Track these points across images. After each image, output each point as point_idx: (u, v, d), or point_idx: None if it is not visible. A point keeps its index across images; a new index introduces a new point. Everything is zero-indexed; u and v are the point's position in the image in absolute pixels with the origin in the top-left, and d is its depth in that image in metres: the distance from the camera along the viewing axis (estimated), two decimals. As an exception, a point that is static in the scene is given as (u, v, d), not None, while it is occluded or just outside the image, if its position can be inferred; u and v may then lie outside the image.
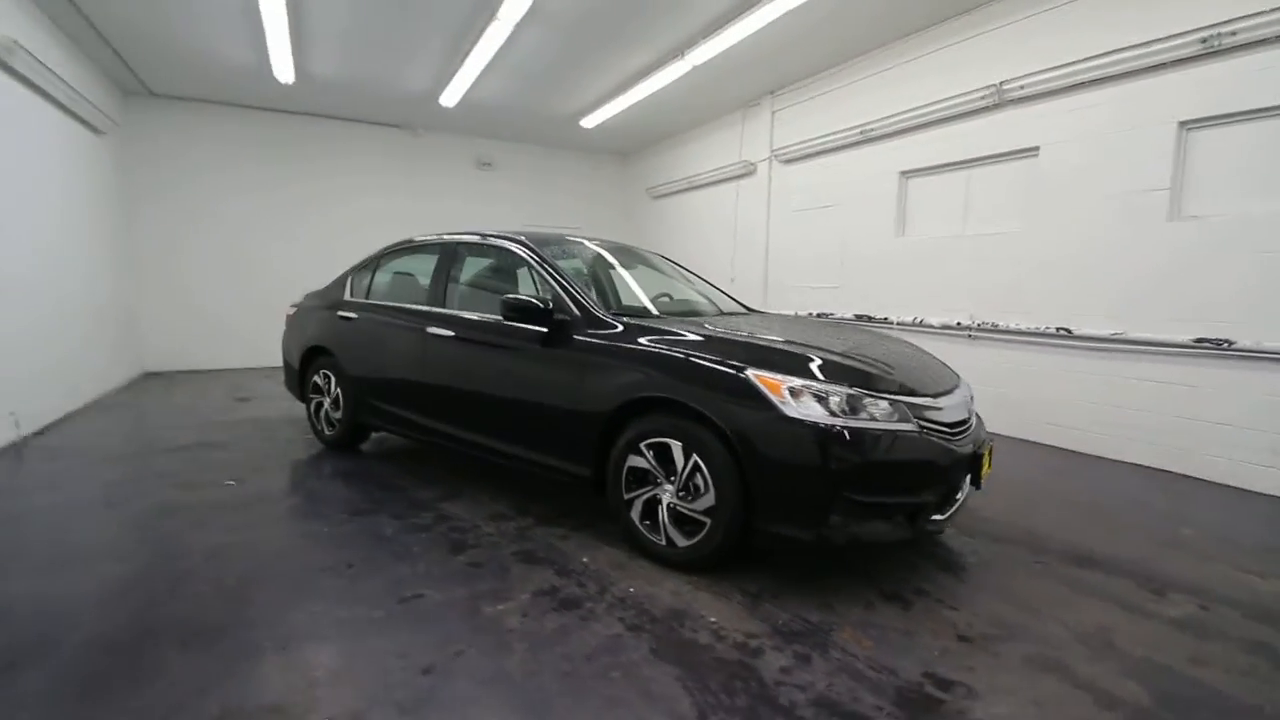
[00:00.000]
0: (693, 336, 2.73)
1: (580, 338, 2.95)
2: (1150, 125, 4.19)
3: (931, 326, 5.62)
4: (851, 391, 2.40)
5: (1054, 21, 4.62)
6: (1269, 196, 3.75)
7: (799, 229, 7.21)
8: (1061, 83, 4.59)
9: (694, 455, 2.54)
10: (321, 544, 2.88)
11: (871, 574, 2.68)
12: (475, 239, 3.79)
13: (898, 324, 5.90)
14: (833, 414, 2.34)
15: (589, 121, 8.45)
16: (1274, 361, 3.67)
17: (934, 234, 5.76)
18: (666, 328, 2.88)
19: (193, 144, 7.96)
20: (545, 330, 3.05)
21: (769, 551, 2.82)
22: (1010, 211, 5.14)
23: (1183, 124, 4.06)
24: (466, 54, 6.11)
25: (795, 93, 7.13)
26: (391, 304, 4.04)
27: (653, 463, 2.67)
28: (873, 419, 2.37)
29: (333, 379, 4.31)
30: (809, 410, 2.34)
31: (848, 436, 2.31)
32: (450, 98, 7.46)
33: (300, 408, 5.58)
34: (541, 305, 3.01)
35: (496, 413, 3.30)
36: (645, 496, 2.72)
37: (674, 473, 2.61)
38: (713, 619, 2.29)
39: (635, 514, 2.76)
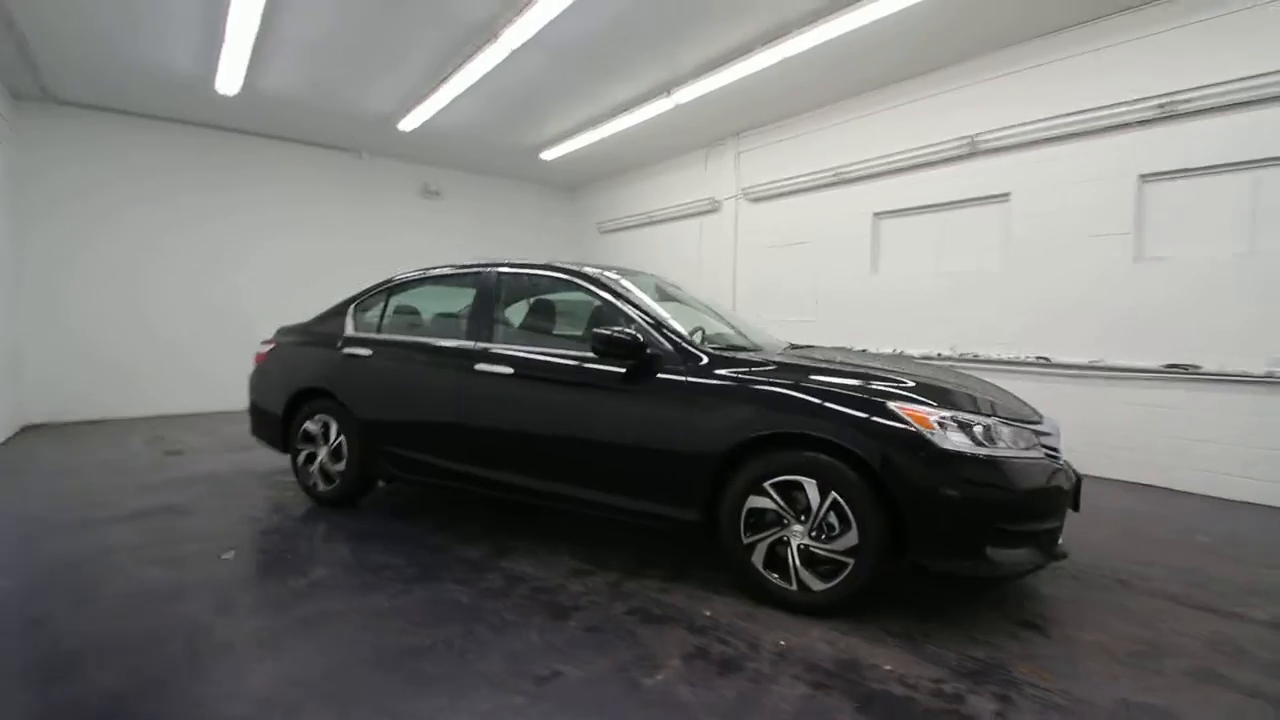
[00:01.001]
0: (816, 370, 2.67)
1: (676, 374, 2.79)
2: (1114, 177, 4.75)
3: (912, 357, 5.94)
4: (991, 421, 2.42)
5: (1025, 81, 5.16)
6: (1216, 242, 4.35)
7: (770, 265, 7.43)
8: (1032, 136, 5.12)
9: (832, 493, 2.44)
10: (393, 621, 2.45)
11: (986, 604, 2.69)
12: (528, 269, 3.52)
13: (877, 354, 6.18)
14: (977, 443, 2.35)
15: (551, 154, 8.31)
16: (1239, 383, 4.19)
17: (908, 272, 6.14)
18: (769, 360, 2.79)
19: (97, 158, 6.90)
20: (629, 367, 2.86)
21: (872, 591, 2.76)
22: (984, 251, 5.59)
23: (1142, 176, 4.64)
24: (447, 77, 5.81)
25: (762, 135, 7.43)
26: (419, 340, 3.64)
27: (780, 503, 2.54)
28: (1010, 447, 2.41)
29: (333, 425, 3.78)
30: (957, 441, 2.33)
31: (998, 466, 2.32)
32: (411, 122, 7.04)
33: (268, 460, 4.93)
34: (634, 341, 2.82)
35: (574, 457, 3.02)
36: (770, 539, 2.57)
37: (804, 512, 2.50)
38: (887, 666, 2.17)
39: (758, 559, 2.60)
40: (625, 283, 3.28)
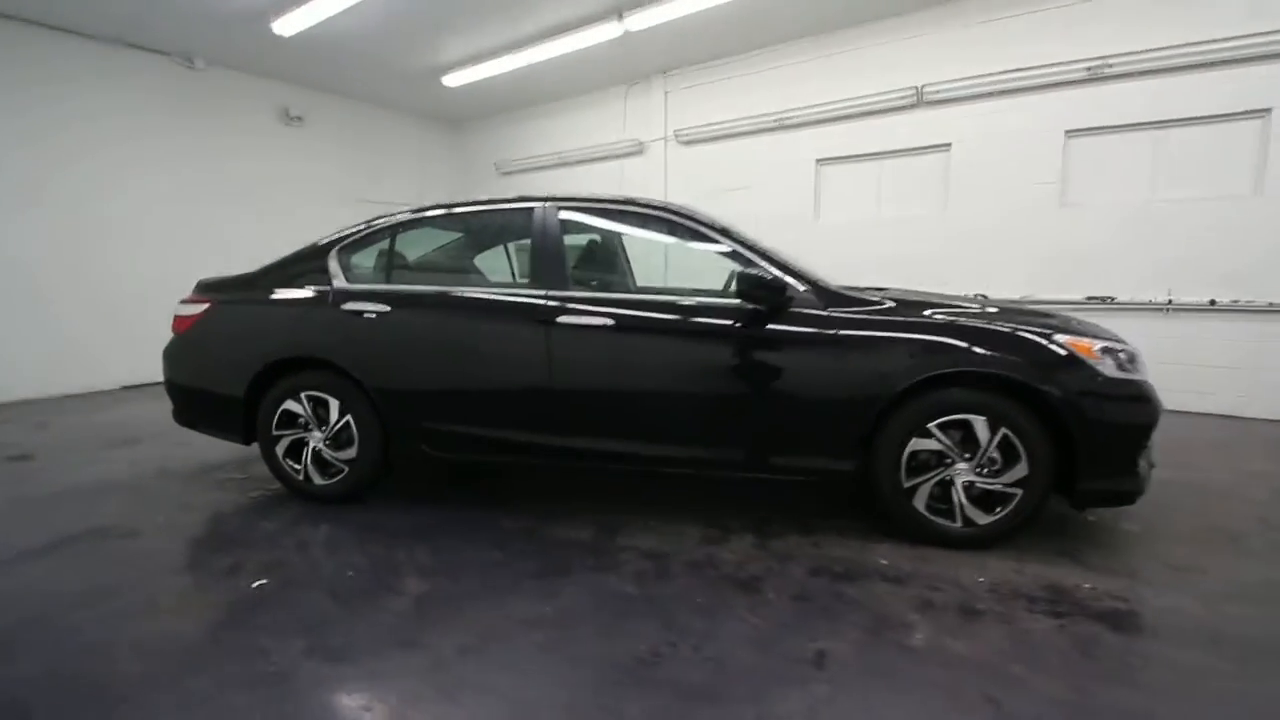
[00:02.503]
0: (963, 307, 2.62)
1: (818, 316, 2.58)
2: (1044, 131, 5.33)
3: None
4: (1129, 347, 2.59)
5: (972, 36, 5.51)
6: (1126, 190, 5.13)
7: (707, 210, 7.30)
8: (975, 90, 5.53)
9: (1001, 428, 2.45)
10: (575, 629, 2.00)
11: (1071, 520, 2.93)
12: (600, 204, 2.99)
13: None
14: (1123, 368, 2.50)
15: (455, 79, 7.23)
16: (1152, 311, 5.05)
17: (851, 219, 6.42)
18: (887, 298, 2.69)
19: None
20: (766, 311, 2.59)
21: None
22: (925, 198, 6.02)
23: (1068, 132, 5.27)
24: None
25: (694, 74, 7.16)
26: (465, 293, 2.95)
27: (946, 443, 2.50)
28: (1142, 369, 2.60)
29: (333, 404, 2.96)
30: (1112, 368, 2.46)
31: (1142, 387, 2.50)
32: (293, 24, 5.60)
33: (174, 453, 3.80)
34: (779, 282, 2.54)
35: (704, 416, 2.68)
36: (933, 480, 2.53)
37: (969, 450, 2.49)
38: (1088, 585, 2.27)
39: (919, 501, 2.55)
40: (717, 218, 2.94)
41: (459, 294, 2.94)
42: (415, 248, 3.20)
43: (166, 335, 3.28)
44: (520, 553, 2.55)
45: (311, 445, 3.03)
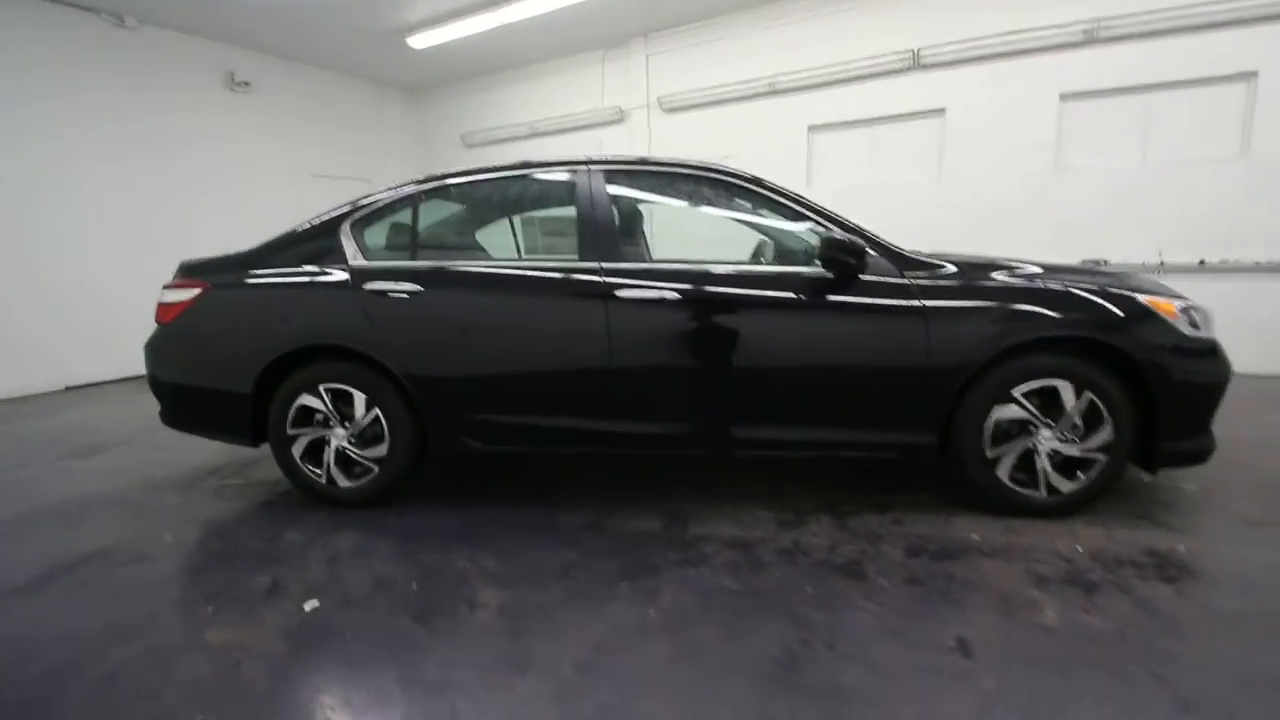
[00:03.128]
0: (1031, 270, 2.53)
1: (896, 282, 2.44)
2: (1039, 94, 5.34)
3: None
4: (1204, 307, 2.56)
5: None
6: (1117, 154, 5.22)
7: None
8: (971, 53, 5.48)
9: (1086, 392, 2.40)
10: (691, 632, 1.84)
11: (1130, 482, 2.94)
12: (651, 167, 2.74)
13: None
14: (1198, 328, 2.48)
15: (422, 40, 6.69)
16: (1145, 273, 5.19)
17: (844, 185, 6.33)
18: (949, 260, 2.59)
19: None
20: (842, 277, 2.44)
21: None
22: (919, 164, 5.98)
23: (1062, 95, 5.30)
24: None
25: (676, 37, 6.87)
26: (507, 267, 2.68)
27: (1032, 410, 2.43)
28: (1211, 329, 2.58)
29: (358, 397, 2.65)
30: (1190, 328, 2.43)
31: (1215, 347, 2.48)
32: (244, -26, 5.00)
33: (152, 460, 3.40)
34: (860, 247, 2.39)
35: (779, 392, 2.52)
36: (1020, 449, 2.47)
37: (1053, 416, 2.43)
38: (1181, 547, 2.26)
39: (1003, 471, 2.48)
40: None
41: (504, 270, 2.66)
42: (440, 219, 2.88)
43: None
44: (594, 551, 2.35)
45: (334, 444, 2.72)
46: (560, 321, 2.55)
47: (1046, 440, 2.45)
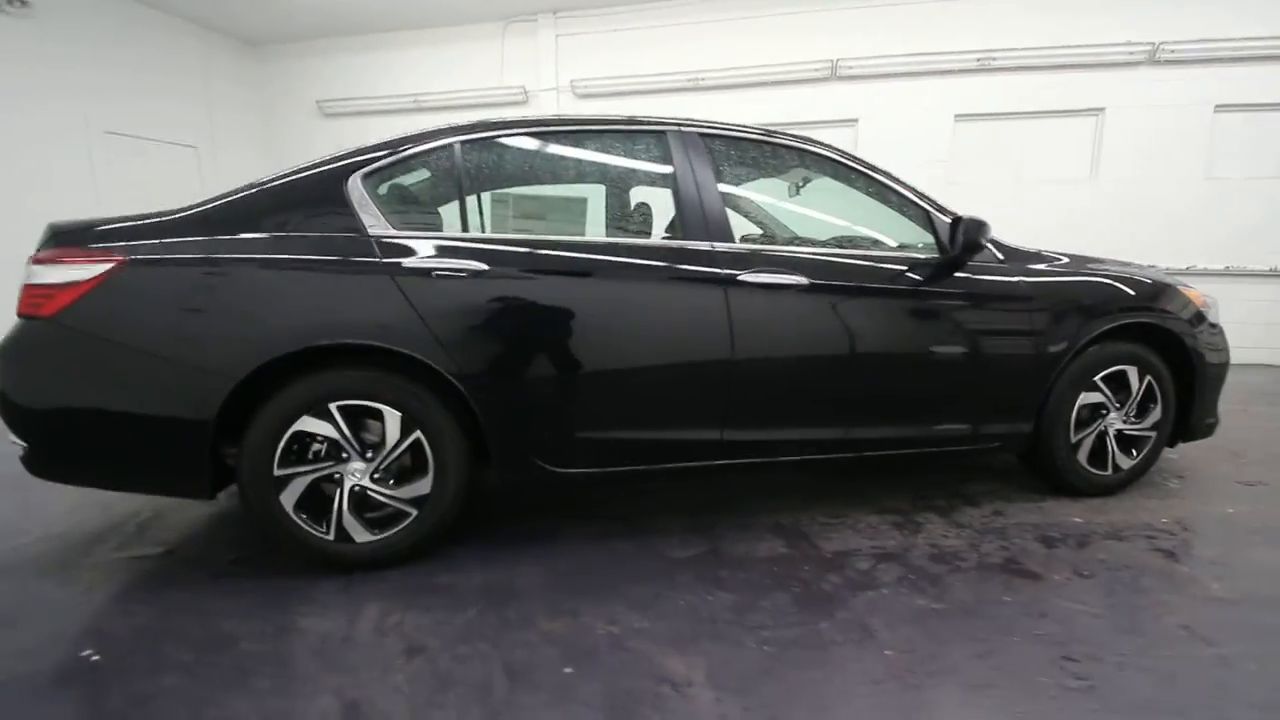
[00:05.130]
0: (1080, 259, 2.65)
1: (998, 269, 2.41)
2: (938, 114, 5.92)
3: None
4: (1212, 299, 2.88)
5: (884, 15, 5.82)
6: (1001, 170, 5.97)
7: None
8: (883, 69, 5.89)
9: (1147, 376, 2.57)
10: (965, 669, 1.55)
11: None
12: (746, 134, 2.39)
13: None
14: (1214, 317, 2.79)
15: (288, -21, 5.45)
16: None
17: (761, 185, 6.46)
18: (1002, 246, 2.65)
19: None
20: (951, 263, 2.34)
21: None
22: (833, 169, 6.30)
23: (956, 116, 5.92)
24: None
25: (591, 20, 6.45)
26: (609, 243, 2.19)
27: (1108, 395, 2.54)
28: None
29: (392, 417, 1.92)
30: (1213, 316, 2.73)
31: (1222, 332, 2.82)
32: None
33: (36, 512, 2.34)
34: (985, 230, 2.29)
35: (900, 386, 2.34)
36: (1095, 432, 2.56)
37: (1120, 400, 2.57)
38: (1229, 510, 2.51)
39: (1083, 455, 2.56)
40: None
41: (598, 248, 2.11)
42: (491, 179, 2.22)
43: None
44: (743, 585, 1.94)
45: (348, 484, 1.94)
46: (671, 312, 2.09)
47: (1115, 422, 2.58)
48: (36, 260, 1.84)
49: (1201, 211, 5.56)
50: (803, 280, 2.16)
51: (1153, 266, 3.05)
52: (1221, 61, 5.27)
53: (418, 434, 1.96)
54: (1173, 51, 5.32)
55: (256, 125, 7.39)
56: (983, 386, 2.42)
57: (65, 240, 1.87)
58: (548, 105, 6.73)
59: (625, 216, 2.46)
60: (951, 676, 1.52)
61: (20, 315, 1.85)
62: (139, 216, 1.93)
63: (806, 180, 2.82)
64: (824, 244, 2.41)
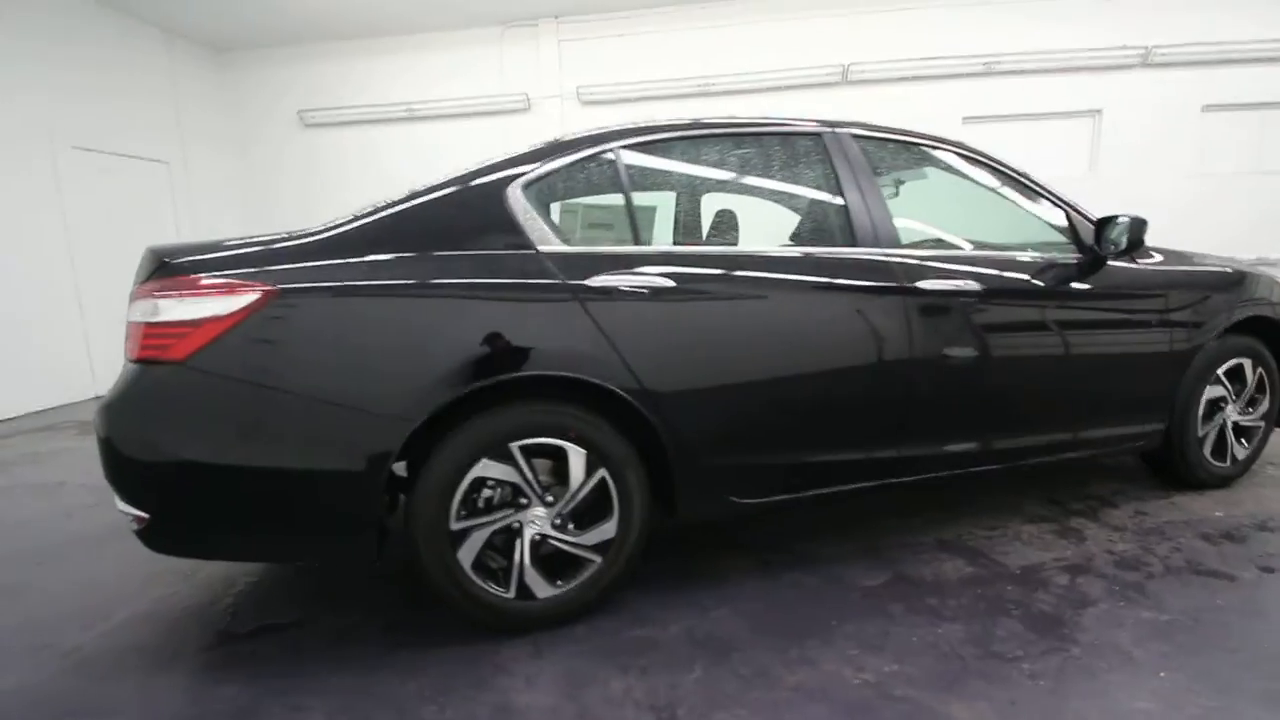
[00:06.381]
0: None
1: (1137, 267, 2.42)
2: (945, 116, 6.04)
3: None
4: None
5: (893, 21, 5.91)
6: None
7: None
8: (892, 74, 5.98)
9: (1259, 368, 2.63)
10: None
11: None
12: (895, 137, 2.29)
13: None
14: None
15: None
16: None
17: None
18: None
19: None
20: (1095, 263, 2.33)
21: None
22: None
23: (964, 118, 6.06)
24: None
25: (594, 25, 6.30)
26: (793, 253, 2.05)
27: (1229, 387, 2.58)
28: None
29: (576, 456, 1.72)
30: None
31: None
32: None
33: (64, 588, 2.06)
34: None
35: (1052, 391, 2.31)
36: (1219, 425, 2.59)
37: (1236, 392, 2.61)
38: (1353, 496, 2.58)
39: (1208, 448, 2.59)
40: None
41: (789, 258, 1.99)
42: (653, 186, 2.05)
43: None
44: (964, 613, 1.82)
45: (528, 534, 1.72)
46: (859, 324, 1.97)
47: (1230, 415, 2.63)
48: (155, 293, 1.55)
49: (1192, 205, 5.87)
50: (974, 286, 2.09)
51: (1232, 258, 3.15)
52: (1208, 64, 5.60)
53: (602, 472, 1.76)
54: (1164, 54, 5.61)
55: (232, 138, 6.87)
56: (1130, 386, 2.40)
57: (183, 269, 1.59)
58: (552, 113, 6.52)
59: (786, 226, 2.32)
60: (1240, 694, 1.45)
61: (137, 360, 1.56)
62: (259, 240, 1.67)
63: (901, 182, 2.77)
64: (975, 247, 2.34)
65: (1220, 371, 2.54)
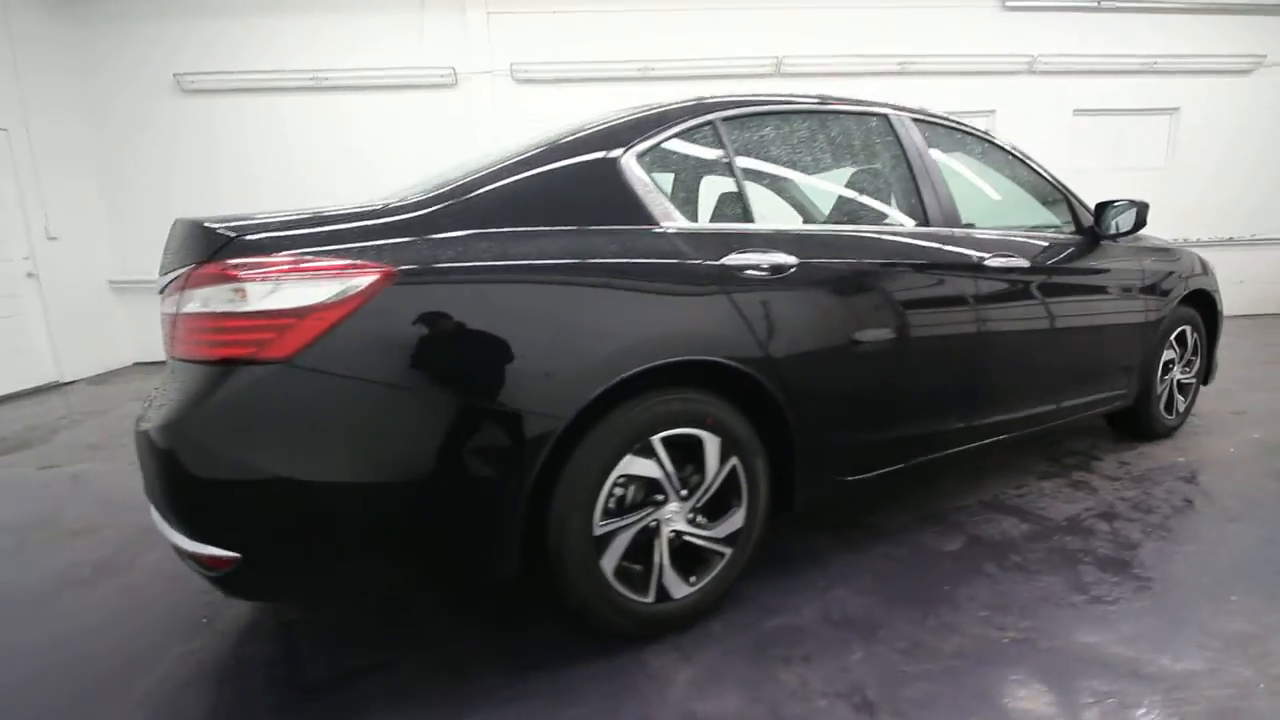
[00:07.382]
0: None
1: (1119, 245, 2.73)
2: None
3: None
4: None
5: (823, 16, 6.17)
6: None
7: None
8: (822, 68, 6.26)
9: (1195, 334, 3.08)
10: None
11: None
12: (942, 122, 2.42)
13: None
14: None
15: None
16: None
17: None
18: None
19: None
20: (1085, 245, 2.61)
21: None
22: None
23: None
24: None
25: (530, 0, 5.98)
26: (894, 233, 2.11)
27: (1177, 350, 3.01)
28: None
29: (712, 444, 1.63)
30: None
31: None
32: None
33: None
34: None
35: (1076, 358, 2.57)
36: (1169, 384, 3.01)
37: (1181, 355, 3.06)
38: (1255, 435, 3.10)
39: (1163, 403, 3.00)
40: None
41: (891, 238, 2.02)
42: (753, 159, 1.97)
43: None
44: (1051, 565, 1.96)
45: (665, 531, 1.61)
46: (949, 300, 2.07)
47: (1175, 374, 3.06)
48: (232, 277, 1.24)
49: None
50: (1024, 262, 2.25)
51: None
52: (1080, 74, 6.45)
53: (734, 460, 1.68)
54: (1046, 64, 6.38)
55: (87, 102, 5.73)
56: (1126, 350, 2.73)
57: (263, 246, 1.28)
58: (482, 90, 6.13)
59: (872, 205, 2.33)
60: (1302, 610, 1.70)
61: (214, 361, 1.25)
62: (334, 213, 1.39)
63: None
64: (1007, 227, 2.51)
65: (1172, 337, 2.95)
